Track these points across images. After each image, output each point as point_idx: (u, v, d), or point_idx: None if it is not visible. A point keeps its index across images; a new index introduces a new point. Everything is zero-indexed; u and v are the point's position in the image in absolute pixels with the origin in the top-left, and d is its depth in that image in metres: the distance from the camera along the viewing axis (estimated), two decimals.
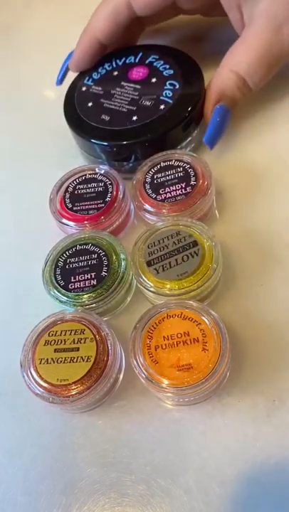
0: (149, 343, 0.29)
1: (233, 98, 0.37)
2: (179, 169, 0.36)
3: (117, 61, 0.42)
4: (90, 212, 0.35)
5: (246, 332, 0.32)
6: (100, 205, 0.36)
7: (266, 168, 0.38)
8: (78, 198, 0.36)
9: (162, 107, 0.38)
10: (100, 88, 0.41)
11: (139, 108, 0.38)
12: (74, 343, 0.29)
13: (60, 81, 0.44)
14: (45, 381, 0.28)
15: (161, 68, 0.40)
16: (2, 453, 0.31)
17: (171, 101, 0.38)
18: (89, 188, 0.37)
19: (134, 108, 0.38)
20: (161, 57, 0.41)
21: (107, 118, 0.38)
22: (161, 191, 0.35)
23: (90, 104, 0.40)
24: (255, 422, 0.29)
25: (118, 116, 0.38)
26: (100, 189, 0.36)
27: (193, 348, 0.28)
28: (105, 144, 0.38)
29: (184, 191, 0.34)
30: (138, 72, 0.40)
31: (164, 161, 0.36)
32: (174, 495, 0.28)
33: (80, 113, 0.40)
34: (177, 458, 0.29)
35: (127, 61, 0.42)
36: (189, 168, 0.35)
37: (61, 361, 0.29)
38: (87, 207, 0.36)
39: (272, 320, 0.32)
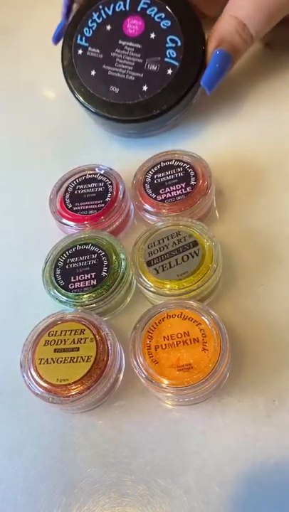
0: (149, 343, 0.29)
1: (232, 43, 0.37)
2: (179, 169, 0.36)
3: (106, 10, 0.39)
4: (90, 212, 0.35)
5: (246, 332, 0.32)
6: (100, 205, 0.36)
7: (266, 169, 0.38)
8: (78, 198, 0.36)
9: (170, 71, 0.37)
10: (97, 50, 0.39)
11: (147, 75, 0.37)
12: (74, 343, 0.29)
13: (66, 17, 0.41)
14: (45, 381, 0.28)
15: (156, 19, 0.38)
16: (2, 453, 0.31)
17: (177, 63, 0.37)
18: (89, 188, 0.37)
19: (141, 75, 0.37)
20: (153, 2, 0.38)
21: (116, 90, 0.38)
22: (161, 191, 0.35)
23: (92, 72, 0.39)
24: (255, 422, 0.29)
25: (128, 87, 0.38)
26: (100, 189, 0.36)
27: (193, 348, 0.28)
28: (120, 119, 0.38)
29: (184, 191, 0.34)
30: (133, 26, 0.38)
31: (164, 161, 0.36)
32: (174, 495, 0.28)
33: (86, 85, 0.38)
34: (177, 458, 0.29)
35: (117, 9, 0.39)
36: (189, 168, 0.35)
37: (61, 361, 0.29)
38: (87, 207, 0.36)
39: (272, 320, 0.32)
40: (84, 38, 0.39)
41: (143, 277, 0.31)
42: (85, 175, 0.38)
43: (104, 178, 0.37)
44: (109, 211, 0.35)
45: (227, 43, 0.36)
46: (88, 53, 0.39)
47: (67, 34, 0.40)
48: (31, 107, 0.49)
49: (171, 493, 0.28)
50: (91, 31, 0.39)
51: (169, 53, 0.37)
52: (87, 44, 0.39)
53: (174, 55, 0.37)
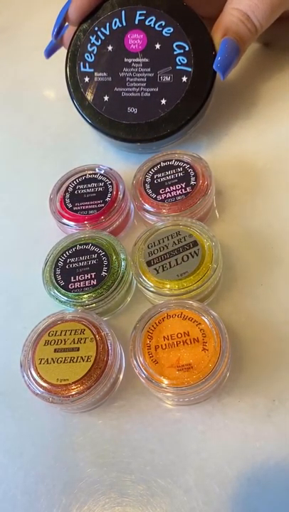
0: (149, 342, 0.29)
1: (238, 33, 0.36)
2: (178, 169, 0.36)
3: (103, 30, 0.37)
4: (90, 212, 0.35)
5: (246, 332, 0.32)
6: (100, 205, 0.36)
7: (266, 168, 0.38)
8: (78, 198, 0.36)
9: (185, 79, 0.35)
10: (104, 74, 0.37)
11: (162, 87, 0.36)
12: (74, 343, 0.29)
13: (56, 35, 0.39)
14: (45, 381, 0.28)
15: (157, 28, 0.36)
16: (2, 453, 0.31)
17: (190, 69, 0.35)
18: (89, 188, 0.37)
19: (157, 89, 0.36)
20: (149, 12, 0.36)
21: (134, 110, 0.36)
22: (161, 191, 0.35)
23: (105, 97, 0.37)
24: (255, 422, 0.29)
25: (146, 105, 0.36)
26: (100, 189, 0.36)
27: (193, 348, 0.28)
28: (145, 139, 0.37)
29: (184, 191, 0.34)
30: (135, 40, 0.36)
31: (164, 161, 0.36)
32: (174, 495, 0.28)
33: (102, 112, 0.37)
34: (177, 458, 0.29)
35: (114, 27, 0.37)
36: (189, 168, 0.35)
37: (61, 361, 0.29)
38: (87, 207, 0.36)
39: (272, 320, 0.32)
40: (87, 64, 0.38)
41: (143, 277, 0.31)
42: (85, 175, 0.38)
43: (104, 178, 0.37)
44: (109, 211, 0.35)
45: (232, 32, 0.36)
46: (96, 79, 0.37)
47: (69, 64, 0.39)
48: (31, 107, 0.49)
49: (171, 493, 0.28)
50: (93, 56, 0.37)
51: (179, 60, 0.36)
52: (92, 70, 0.37)
53: (185, 61, 0.36)
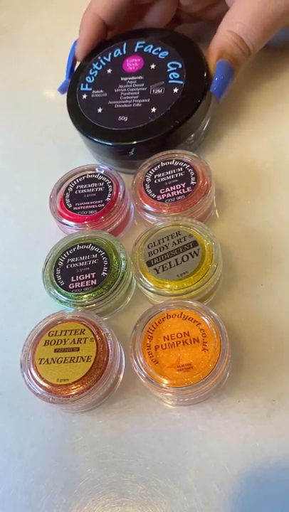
0: (149, 342, 0.29)
1: (232, 55, 0.37)
2: (178, 169, 0.36)
3: (105, 58, 0.40)
4: (90, 212, 0.35)
5: (246, 332, 0.32)
6: (100, 205, 0.36)
7: (266, 168, 0.38)
8: (78, 198, 0.36)
9: (176, 90, 0.36)
10: (101, 91, 0.39)
11: (153, 98, 0.37)
12: (74, 343, 0.29)
13: (70, 74, 0.42)
14: (45, 381, 0.28)
15: (154, 52, 0.38)
16: (2, 453, 0.31)
17: (181, 82, 0.37)
18: (89, 188, 0.37)
19: (148, 100, 0.37)
20: (148, 42, 0.39)
21: (125, 118, 0.37)
22: (161, 191, 0.35)
23: (99, 109, 0.38)
24: (255, 422, 0.29)
25: (136, 113, 0.37)
26: (100, 189, 0.36)
27: (193, 348, 0.28)
28: (130, 144, 0.37)
29: (184, 191, 0.34)
30: (132, 63, 0.39)
31: (164, 161, 0.36)
32: (174, 495, 0.28)
33: (95, 122, 0.38)
34: (177, 458, 0.29)
35: (115, 55, 0.40)
36: (189, 168, 0.35)
37: (61, 361, 0.29)
38: (87, 207, 0.36)
39: (272, 320, 0.32)
40: (87, 85, 0.40)
41: (143, 277, 0.31)
42: (85, 175, 0.38)
43: (104, 178, 0.37)
44: (109, 211, 0.35)
45: (227, 54, 0.37)
46: (92, 95, 0.39)
47: (70, 87, 0.41)
48: (31, 106, 0.49)
49: (171, 493, 0.28)
50: (93, 78, 0.40)
51: (172, 76, 0.37)
52: (90, 89, 0.40)
53: (178, 76, 0.37)
